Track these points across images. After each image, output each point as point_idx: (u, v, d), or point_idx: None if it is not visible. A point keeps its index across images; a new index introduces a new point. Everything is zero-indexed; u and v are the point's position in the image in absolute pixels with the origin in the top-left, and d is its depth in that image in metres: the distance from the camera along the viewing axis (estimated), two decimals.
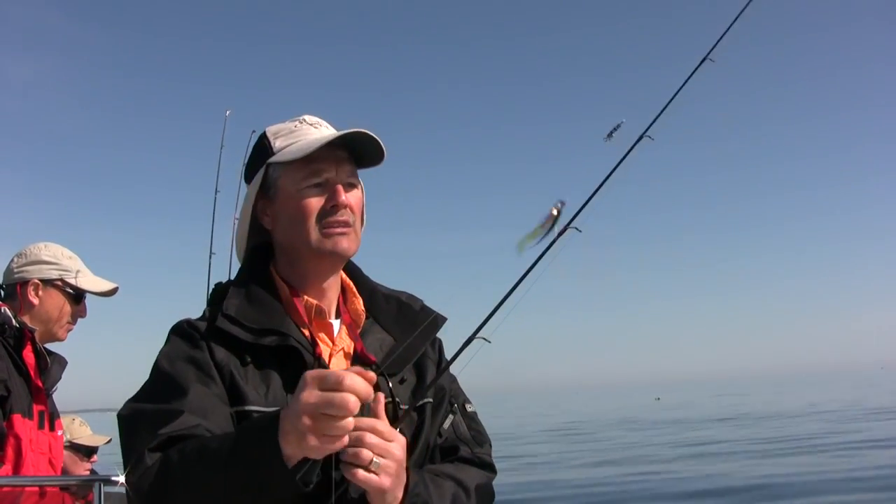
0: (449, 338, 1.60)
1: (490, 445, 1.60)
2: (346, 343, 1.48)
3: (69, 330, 2.75)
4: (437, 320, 1.57)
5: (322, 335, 1.47)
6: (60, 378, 2.71)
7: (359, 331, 1.50)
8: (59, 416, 2.79)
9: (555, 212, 1.43)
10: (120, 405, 1.38)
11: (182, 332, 1.43)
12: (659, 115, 1.63)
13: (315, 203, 1.43)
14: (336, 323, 1.51)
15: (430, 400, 1.50)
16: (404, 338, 1.50)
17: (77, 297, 2.73)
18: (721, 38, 1.90)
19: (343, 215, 1.44)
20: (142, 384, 1.40)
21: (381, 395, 1.31)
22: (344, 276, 1.58)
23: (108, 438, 3.86)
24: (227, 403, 1.34)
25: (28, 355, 2.55)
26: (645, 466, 14.79)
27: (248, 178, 1.54)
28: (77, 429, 3.83)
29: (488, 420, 1.71)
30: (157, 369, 1.39)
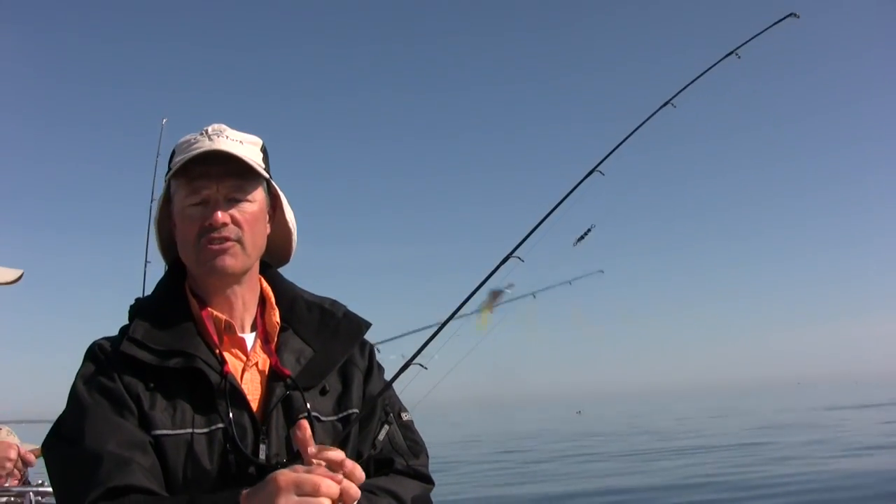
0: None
1: (427, 456, 1.55)
2: (261, 358, 1.46)
3: None
4: (360, 326, 1.55)
5: (235, 350, 1.45)
6: None
7: (273, 344, 1.48)
8: None
9: (506, 288, 1.52)
10: (47, 415, 1.36)
11: (94, 356, 1.40)
12: (611, 152, 1.66)
13: (196, 222, 1.42)
14: (250, 337, 1.48)
15: (356, 410, 1.47)
16: (325, 347, 1.49)
17: None
18: (685, 87, 1.94)
19: (221, 232, 1.41)
20: (63, 410, 1.37)
21: (305, 422, 1.28)
22: (265, 285, 1.55)
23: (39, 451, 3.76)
24: (144, 430, 1.32)
25: None
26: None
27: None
28: (5, 439, 3.74)
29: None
30: (75, 399, 1.36)
